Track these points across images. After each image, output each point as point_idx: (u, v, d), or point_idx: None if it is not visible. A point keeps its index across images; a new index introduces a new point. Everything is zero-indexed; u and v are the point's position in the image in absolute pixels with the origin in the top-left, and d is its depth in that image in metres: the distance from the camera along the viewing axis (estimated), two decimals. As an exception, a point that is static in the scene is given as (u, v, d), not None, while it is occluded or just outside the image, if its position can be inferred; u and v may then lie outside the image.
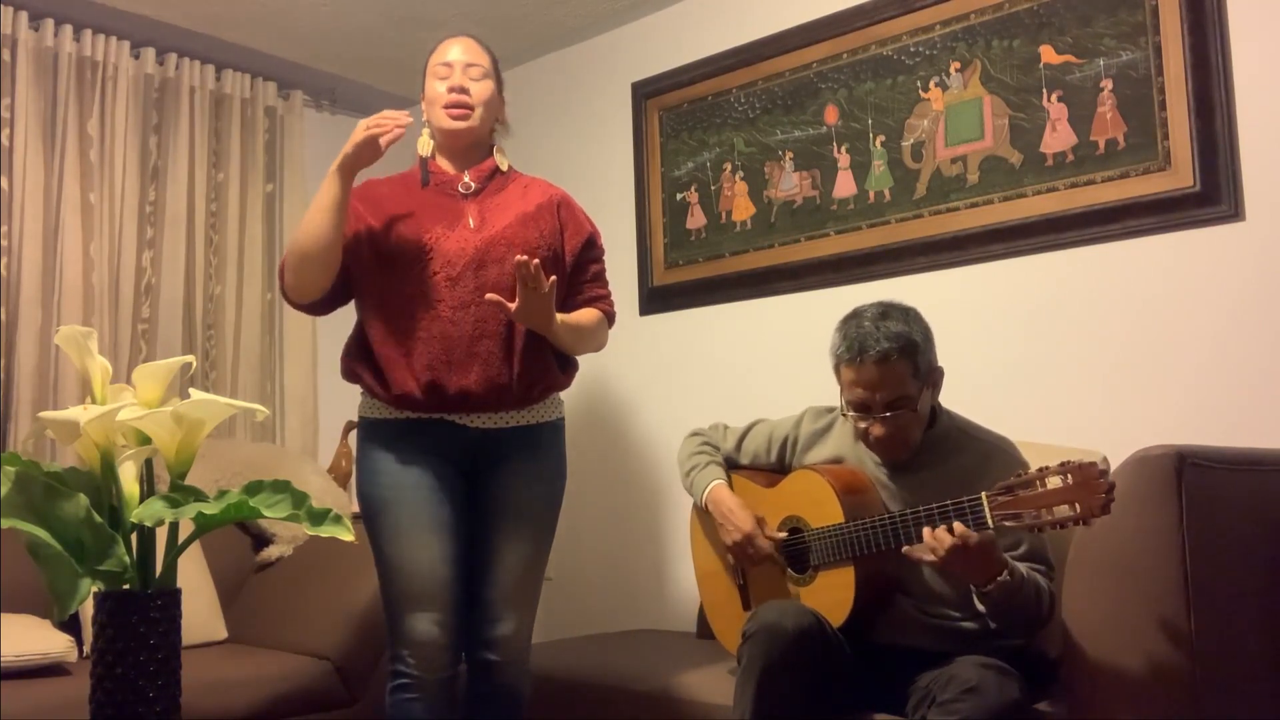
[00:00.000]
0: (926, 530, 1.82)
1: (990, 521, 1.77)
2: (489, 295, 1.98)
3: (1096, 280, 2.45)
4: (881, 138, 2.81)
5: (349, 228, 2.06)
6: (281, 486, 1.60)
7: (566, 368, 2.18)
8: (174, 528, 1.63)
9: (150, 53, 3.41)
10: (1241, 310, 2.26)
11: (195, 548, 2.77)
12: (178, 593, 1.61)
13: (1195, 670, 1.62)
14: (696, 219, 3.21)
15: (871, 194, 2.83)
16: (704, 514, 2.30)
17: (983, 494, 1.79)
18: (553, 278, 1.98)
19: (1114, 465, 1.81)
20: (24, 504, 1.54)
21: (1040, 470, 1.73)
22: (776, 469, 2.25)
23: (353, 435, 2.60)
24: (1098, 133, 2.45)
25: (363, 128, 1.98)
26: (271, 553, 3.03)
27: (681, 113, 3.26)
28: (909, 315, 2.00)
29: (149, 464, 1.71)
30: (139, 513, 1.54)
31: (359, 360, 2.10)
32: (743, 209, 3.11)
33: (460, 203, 2.12)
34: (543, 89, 3.62)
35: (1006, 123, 2.59)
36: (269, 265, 3.65)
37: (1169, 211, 2.34)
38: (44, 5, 3.17)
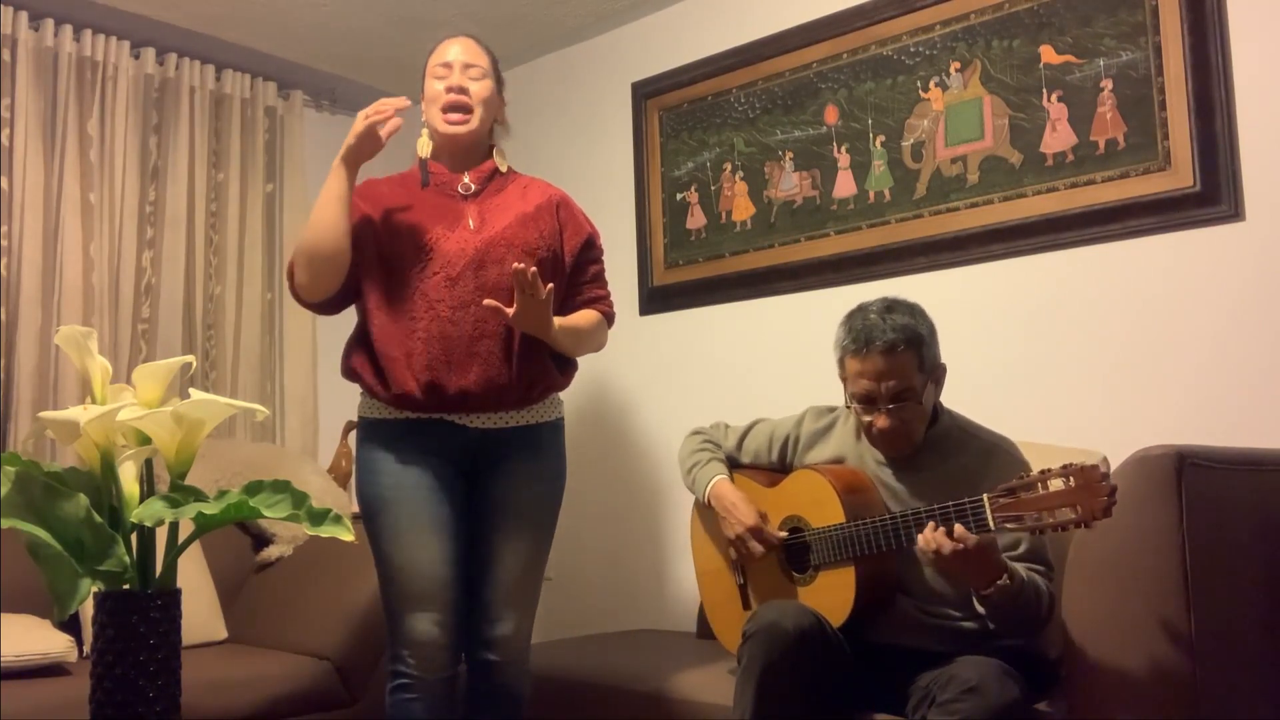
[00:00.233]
0: (925, 531, 1.82)
1: (991, 523, 1.77)
2: (487, 301, 1.98)
3: (1096, 280, 2.45)
4: (881, 138, 2.81)
5: (352, 223, 2.07)
6: (281, 486, 1.60)
7: (565, 368, 2.18)
8: (174, 528, 1.63)
9: (150, 53, 3.41)
10: (1241, 310, 2.26)
11: (195, 548, 2.77)
12: (178, 593, 1.61)
13: (1195, 670, 1.62)
14: (696, 219, 3.21)
15: (871, 194, 2.83)
16: (705, 512, 2.30)
17: (984, 495, 1.79)
18: (550, 285, 1.98)
19: (1114, 465, 1.81)
20: (24, 504, 1.54)
21: (1042, 473, 1.73)
22: (778, 468, 2.25)
23: (353, 435, 2.60)
24: (1098, 133, 2.45)
25: (362, 118, 1.99)
26: (271, 553, 3.03)
27: (681, 113, 3.26)
28: (914, 310, 2.02)
29: (149, 464, 1.71)
30: (139, 513, 1.54)
31: (359, 358, 2.10)
32: (743, 209, 3.11)
33: (460, 204, 2.12)
34: (543, 89, 3.62)
35: (1006, 123, 2.59)
36: (269, 265, 3.65)
37: (1169, 211, 2.34)
38: (44, 5, 3.17)
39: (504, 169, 2.19)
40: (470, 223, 2.09)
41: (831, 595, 2.01)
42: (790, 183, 3.00)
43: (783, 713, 1.85)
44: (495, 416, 2.08)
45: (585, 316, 2.17)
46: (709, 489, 2.24)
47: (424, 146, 2.15)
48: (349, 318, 2.17)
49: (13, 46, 3.11)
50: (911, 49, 2.77)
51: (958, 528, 1.78)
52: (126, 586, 1.58)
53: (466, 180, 2.14)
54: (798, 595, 2.09)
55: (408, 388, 2.02)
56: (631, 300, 3.29)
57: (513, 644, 2.09)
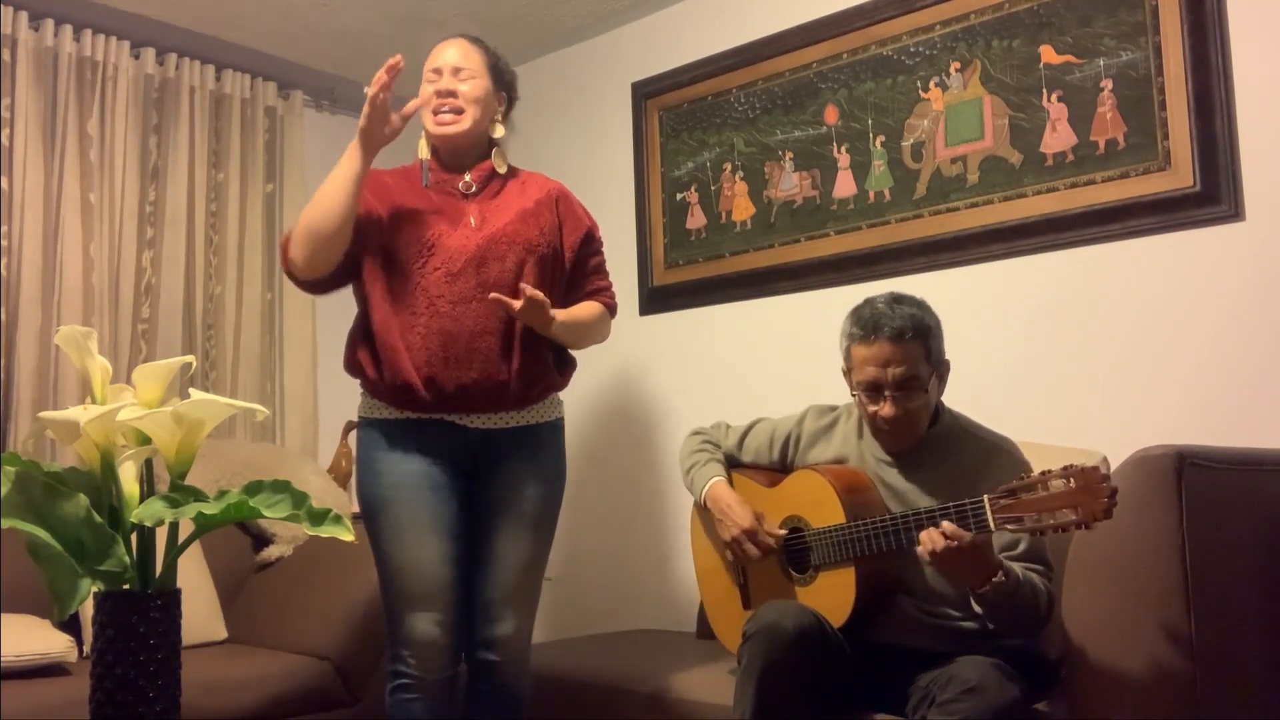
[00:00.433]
0: (926, 531, 1.82)
1: (992, 524, 1.77)
2: (493, 295, 1.99)
3: (1096, 280, 2.45)
4: (881, 138, 2.81)
5: (359, 209, 2.07)
6: (281, 486, 1.60)
7: (564, 368, 2.18)
8: (174, 528, 1.62)
9: (150, 53, 3.40)
10: (1241, 310, 2.26)
11: (195, 548, 2.77)
12: (178, 593, 1.61)
13: (1195, 670, 1.62)
14: (696, 219, 3.21)
15: (871, 194, 2.83)
16: (704, 512, 2.30)
17: (984, 496, 1.79)
18: (545, 299, 2.00)
19: (1114, 465, 1.81)
20: (24, 504, 1.54)
21: (1043, 474, 1.72)
22: (778, 467, 2.25)
23: (353, 435, 2.60)
24: (1098, 133, 2.45)
25: (368, 99, 1.99)
26: (271, 553, 3.03)
27: (681, 113, 3.26)
28: (921, 304, 2.03)
29: (149, 464, 1.71)
30: (139, 513, 1.54)
31: (363, 352, 2.10)
32: (743, 209, 3.11)
33: (461, 203, 2.13)
34: (543, 89, 3.62)
35: (1006, 123, 2.59)
36: (269, 265, 3.64)
37: (1169, 211, 2.34)
38: (44, 5, 3.17)
39: (503, 169, 2.19)
40: (472, 220, 2.10)
41: (831, 595, 2.01)
42: (790, 183, 3.00)
43: (783, 713, 1.85)
44: (495, 417, 2.08)
45: (587, 308, 2.18)
46: (705, 490, 2.24)
47: (424, 149, 2.17)
48: (349, 318, 2.17)
49: (13, 46, 3.11)
50: (911, 49, 2.77)
51: (946, 524, 1.78)
52: (126, 586, 1.58)
53: (467, 179, 2.15)
54: (798, 595, 2.09)
55: (409, 379, 2.02)
56: (632, 300, 3.29)
57: (513, 644, 2.10)
